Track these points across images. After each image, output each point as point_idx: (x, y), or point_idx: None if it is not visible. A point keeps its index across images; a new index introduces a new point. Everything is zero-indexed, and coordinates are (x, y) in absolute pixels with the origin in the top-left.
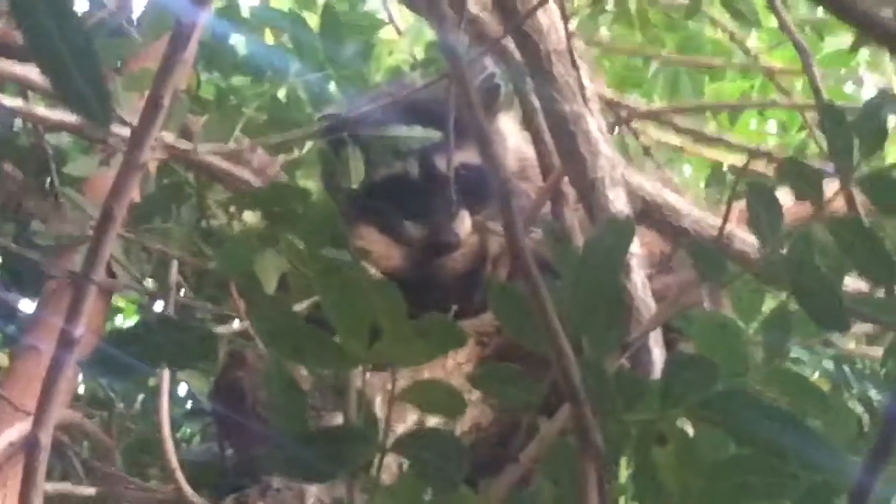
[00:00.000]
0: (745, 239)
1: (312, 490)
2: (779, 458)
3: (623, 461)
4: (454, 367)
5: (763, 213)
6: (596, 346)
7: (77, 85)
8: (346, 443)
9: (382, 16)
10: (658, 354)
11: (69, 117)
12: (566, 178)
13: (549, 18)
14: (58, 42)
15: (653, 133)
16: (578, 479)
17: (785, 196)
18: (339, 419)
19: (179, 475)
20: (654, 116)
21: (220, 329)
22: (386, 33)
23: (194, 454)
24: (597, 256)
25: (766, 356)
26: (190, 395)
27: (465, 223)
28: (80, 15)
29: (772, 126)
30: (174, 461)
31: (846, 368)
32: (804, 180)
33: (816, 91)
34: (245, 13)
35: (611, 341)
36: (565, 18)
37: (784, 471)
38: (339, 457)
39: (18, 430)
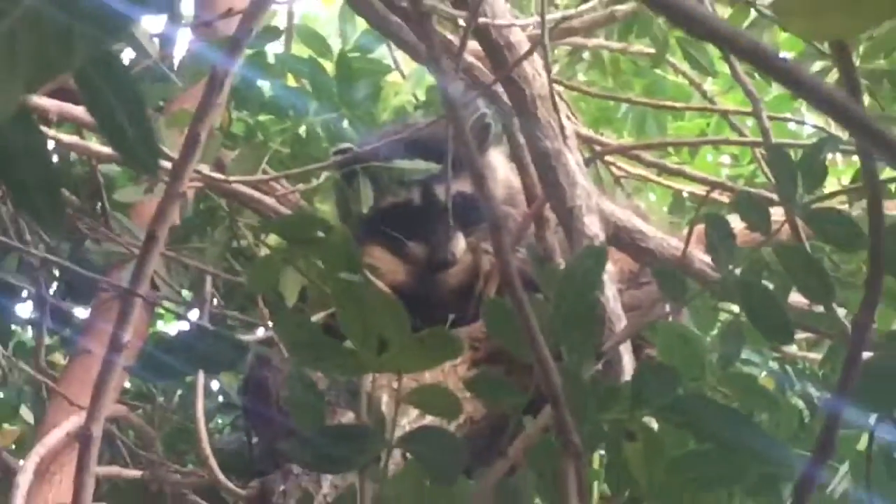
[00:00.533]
0: (704, 259)
1: (328, 477)
2: (732, 452)
3: (597, 455)
4: (450, 368)
5: (719, 240)
6: (574, 354)
7: (128, 137)
8: (358, 439)
9: (388, 62)
10: (628, 361)
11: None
12: (548, 206)
13: (533, 67)
14: (110, 97)
15: (623, 166)
16: (559, 470)
17: (737, 221)
18: (351, 416)
19: (212, 461)
20: (624, 151)
21: (248, 336)
22: (392, 78)
23: (225, 443)
24: (576, 276)
25: (720, 362)
26: (221, 390)
27: (460, 244)
28: (127, 63)
29: (725, 159)
30: (207, 449)
31: (789, 370)
32: (754, 211)
33: (764, 130)
34: (271, 60)
35: (587, 350)
36: (547, 67)
37: (737, 463)
38: (351, 451)
39: (73, 422)
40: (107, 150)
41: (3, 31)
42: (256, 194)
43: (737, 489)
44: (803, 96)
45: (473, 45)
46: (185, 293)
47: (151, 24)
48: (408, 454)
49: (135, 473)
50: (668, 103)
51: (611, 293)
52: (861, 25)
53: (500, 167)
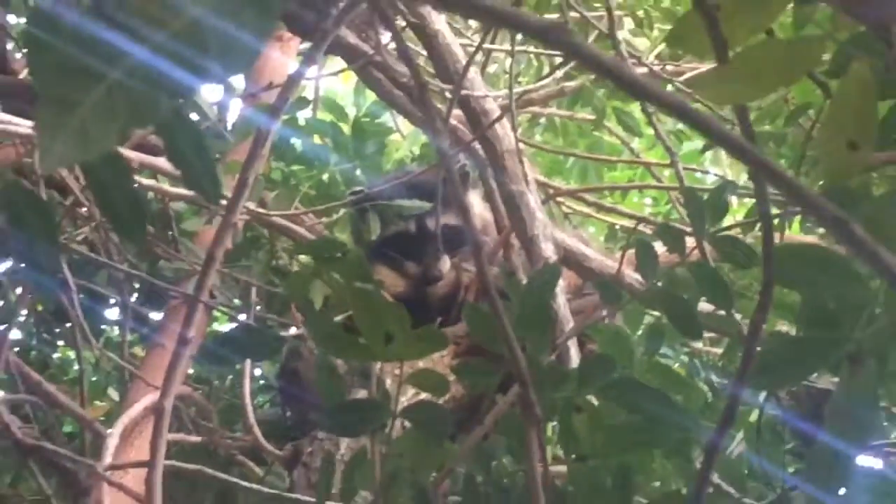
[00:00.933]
0: (633, 275)
1: (345, 440)
2: (654, 422)
3: (550, 424)
4: (439, 358)
5: (645, 261)
6: (534, 346)
7: (198, 175)
8: (369, 411)
9: (391, 125)
10: (574, 353)
11: (186, 192)
12: (513, 234)
13: (502, 129)
14: (188, 150)
15: (570, 205)
16: (523, 435)
17: (659, 246)
18: (363, 394)
19: (256, 429)
20: (571, 194)
21: (284, 333)
22: (393, 137)
23: (265, 416)
24: (535, 288)
25: (645, 353)
26: (263, 375)
27: (446, 264)
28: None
29: (648, 201)
30: (252, 420)
31: (697, 362)
32: (672, 239)
33: (679, 178)
34: (301, 123)
35: (544, 344)
36: (513, 129)
37: (658, 431)
38: (364, 420)
39: (149, 399)
40: (176, 190)
41: (103, 89)
42: (290, 225)
43: (657, 451)
44: (717, 142)
45: (457, 111)
46: (236, 300)
47: (211, 94)
48: (407, 422)
49: (196, 439)
50: (605, 157)
51: (561, 301)
52: (756, 93)
53: (477, 205)
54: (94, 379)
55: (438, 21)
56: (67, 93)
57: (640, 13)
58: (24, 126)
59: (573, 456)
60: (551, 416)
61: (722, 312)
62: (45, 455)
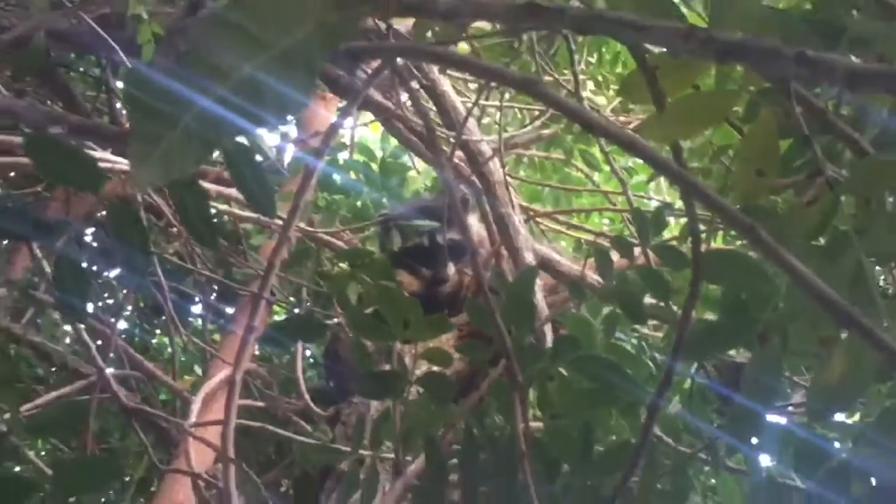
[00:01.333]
0: (594, 277)
1: (374, 403)
2: (610, 388)
3: (532, 390)
4: (445, 340)
5: (603, 265)
6: (518, 330)
7: (261, 200)
8: (391, 380)
9: (409, 164)
10: (549, 335)
11: (252, 215)
12: (503, 247)
13: (494, 165)
14: (251, 179)
15: (546, 223)
16: (509, 398)
17: (615, 255)
18: (387, 367)
19: (306, 396)
20: (546, 215)
21: (327, 322)
22: (411, 173)
23: (314, 386)
24: (518, 286)
25: (604, 336)
26: (311, 355)
27: (451, 269)
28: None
29: (606, 221)
30: (303, 389)
31: (643, 343)
32: (624, 248)
33: (629, 202)
34: (340, 162)
35: (526, 328)
36: (502, 166)
37: (613, 394)
38: (387, 387)
39: (225, 373)
40: (245, 214)
41: (180, 129)
42: (332, 240)
43: (613, 411)
44: (657, 169)
45: (459, 152)
46: (291, 298)
47: (271, 140)
48: (420, 389)
49: (260, 404)
50: (572, 187)
51: (539, 296)
52: (687, 133)
53: (475, 224)
54: (182, 359)
55: (444, 83)
56: (153, 131)
57: (599, 77)
58: (126, 164)
59: (548, 415)
60: (531, 383)
61: (662, 304)
62: (144, 417)
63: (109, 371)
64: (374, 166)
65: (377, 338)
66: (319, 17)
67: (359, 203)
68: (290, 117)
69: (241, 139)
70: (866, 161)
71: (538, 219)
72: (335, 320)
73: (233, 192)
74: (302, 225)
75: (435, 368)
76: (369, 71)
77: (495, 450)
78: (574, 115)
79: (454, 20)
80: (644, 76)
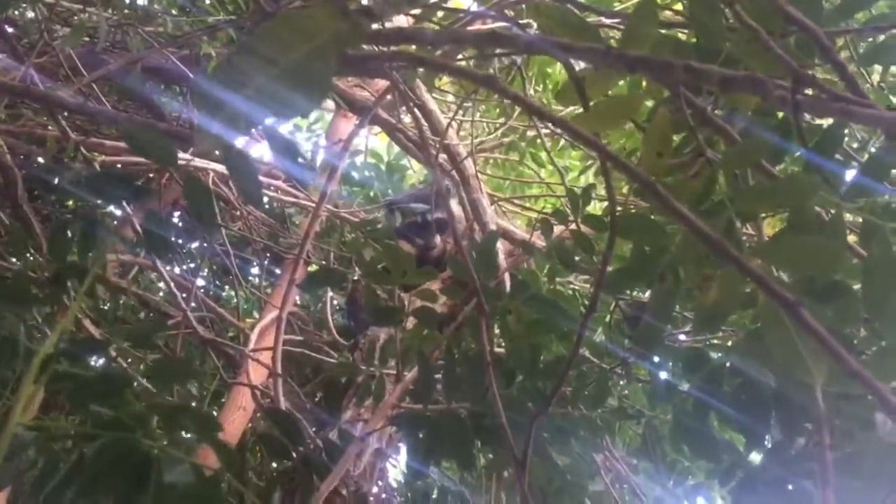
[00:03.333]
0: (540, 242)
1: (383, 330)
2: (552, 320)
3: (494, 322)
4: (433, 284)
5: (546, 231)
6: (484, 277)
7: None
8: (393, 313)
9: (407, 165)
10: (508, 281)
11: (294, 199)
12: (475, 223)
13: (468, 163)
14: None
15: (506, 207)
16: (478, 325)
17: (558, 228)
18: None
19: (334, 331)
20: (507, 200)
21: (347, 276)
22: (409, 172)
23: (339, 324)
24: (485, 244)
25: (547, 282)
26: (337, 303)
27: (437, 239)
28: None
29: (549, 207)
30: (332, 326)
31: (576, 292)
32: (561, 218)
33: (567, 189)
34: (357, 163)
35: (490, 275)
36: (474, 164)
37: (554, 325)
38: (391, 318)
39: (274, 313)
40: (289, 199)
41: (227, 111)
42: (351, 218)
43: (553, 336)
44: (581, 142)
45: (442, 155)
46: (322, 261)
47: (306, 145)
48: (414, 320)
49: (299, 338)
50: (526, 180)
51: (501, 257)
52: (605, 127)
53: (455, 206)
54: (244, 306)
55: (431, 103)
56: (210, 113)
57: (544, 100)
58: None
59: (507, 339)
60: (494, 316)
61: (588, 257)
62: (217, 346)
63: (191, 314)
64: (382, 167)
65: (383, 283)
66: (333, 27)
67: (371, 193)
68: (312, 111)
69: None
70: (734, 147)
71: (501, 202)
72: (356, 276)
73: (279, 182)
74: (330, 207)
75: (424, 304)
76: (377, 94)
77: (469, 363)
78: (527, 105)
79: (438, 46)
80: (574, 84)
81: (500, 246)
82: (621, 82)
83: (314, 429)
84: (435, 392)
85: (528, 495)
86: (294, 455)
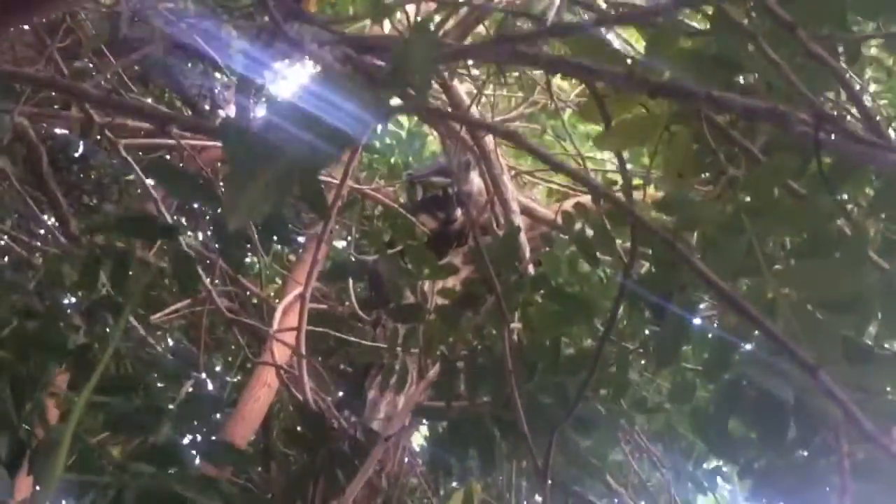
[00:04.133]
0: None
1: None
2: (570, 311)
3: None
4: (457, 262)
5: (567, 223)
6: (506, 271)
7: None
8: (415, 310)
9: (427, 130)
10: (531, 270)
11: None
12: (496, 197)
13: (489, 139)
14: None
15: (528, 177)
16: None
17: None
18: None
19: (355, 304)
20: (528, 173)
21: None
22: (429, 137)
23: (361, 295)
24: (507, 240)
25: (570, 266)
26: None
27: (458, 212)
28: None
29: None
30: (353, 298)
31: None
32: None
33: (583, 160)
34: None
35: (511, 270)
36: (496, 142)
37: (574, 315)
38: (413, 315)
39: (297, 290)
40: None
41: (267, 175)
42: (372, 192)
43: (573, 327)
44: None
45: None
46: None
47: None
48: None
49: (323, 307)
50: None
51: (523, 237)
52: (625, 146)
53: (476, 179)
54: (267, 272)
55: (459, 87)
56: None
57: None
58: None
59: (528, 330)
60: (516, 308)
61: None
62: (241, 324)
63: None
64: (403, 133)
65: (407, 278)
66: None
67: (392, 160)
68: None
69: None
70: (757, 169)
71: (522, 174)
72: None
73: None
74: (351, 183)
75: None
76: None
77: (491, 357)
78: (543, 157)
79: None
80: (596, 103)
81: (521, 223)
82: None
83: (338, 409)
84: (457, 384)
85: (549, 496)
86: (319, 452)
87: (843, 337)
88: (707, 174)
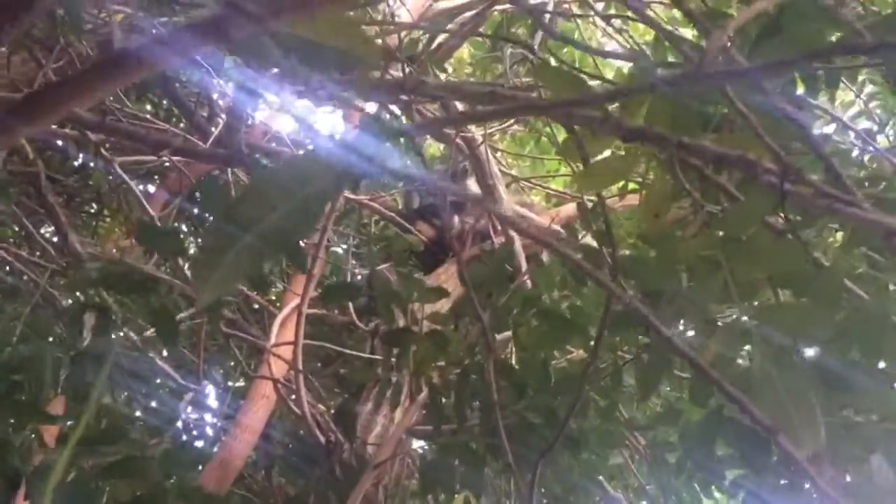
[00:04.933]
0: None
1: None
2: (558, 331)
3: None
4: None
5: (566, 247)
6: (498, 292)
7: None
8: (406, 335)
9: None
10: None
11: None
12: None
13: (482, 149)
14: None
15: (524, 183)
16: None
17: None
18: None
19: (353, 313)
20: (524, 180)
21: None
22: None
23: (359, 304)
24: (498, 261)
25: (560, 283)
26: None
27: (455, 219)
28: None
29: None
30: (351, 309)
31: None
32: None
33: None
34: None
35: (503, 290)
36: (487, 150)
37: (565, 331)
38: (403, 340)
39: (295, 301)
40: None
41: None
42: (368, 203)
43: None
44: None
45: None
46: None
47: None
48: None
49: (322, 312)
50: (542, 157)
51: (518, 244)
52: (604, 185)
53: (473, 187)
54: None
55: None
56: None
57: None
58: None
59: (519, 349)
60: (507, 328)
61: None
62: (239, 337)
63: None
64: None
65: (395, 300)
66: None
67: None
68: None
69: None
70: (732, 208)
71: (514, 184)
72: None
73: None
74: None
75: (434, 327)
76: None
77: (481, 376)
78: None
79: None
80: (575, 143)
81: (519, 245)
82: None
83: (335, 422)
84: (446, 406)
85: None
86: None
87: (821, 366)
88: (684, 207)
